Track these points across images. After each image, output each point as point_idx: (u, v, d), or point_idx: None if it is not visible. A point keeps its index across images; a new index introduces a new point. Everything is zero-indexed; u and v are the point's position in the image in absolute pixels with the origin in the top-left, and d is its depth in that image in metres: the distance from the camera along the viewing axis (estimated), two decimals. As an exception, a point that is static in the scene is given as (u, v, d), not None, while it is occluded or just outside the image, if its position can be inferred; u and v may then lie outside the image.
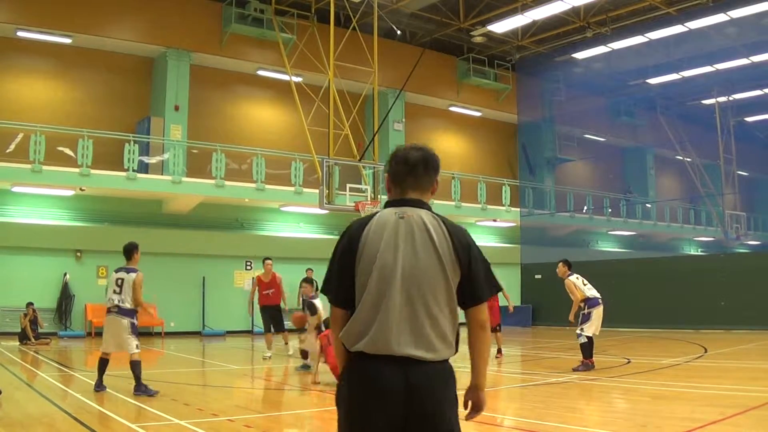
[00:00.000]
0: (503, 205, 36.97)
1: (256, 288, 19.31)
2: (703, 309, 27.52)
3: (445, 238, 3.73)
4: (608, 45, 35.55)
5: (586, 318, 15.34)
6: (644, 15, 32.86)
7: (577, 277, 15.72)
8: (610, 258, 37.41)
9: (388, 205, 3.92)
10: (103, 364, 12.27)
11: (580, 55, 37.50)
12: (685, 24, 32.54)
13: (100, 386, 12.19)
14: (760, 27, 33.47)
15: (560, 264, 16.16)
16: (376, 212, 3.89)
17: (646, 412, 10.58)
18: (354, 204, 26.42)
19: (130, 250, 12.56)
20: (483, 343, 3.81)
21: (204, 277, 28.52)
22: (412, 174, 3.93)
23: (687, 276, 29.00)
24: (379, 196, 27.33)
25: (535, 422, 9.82)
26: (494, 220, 37.29)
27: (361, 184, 27.83)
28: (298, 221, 32.11)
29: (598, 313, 15.23)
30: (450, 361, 3.73)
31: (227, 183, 27.93)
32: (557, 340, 25.25)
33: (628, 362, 17.22)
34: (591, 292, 15.41)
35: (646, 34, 34.08)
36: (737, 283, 25.17)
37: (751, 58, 37.40)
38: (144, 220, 27.79)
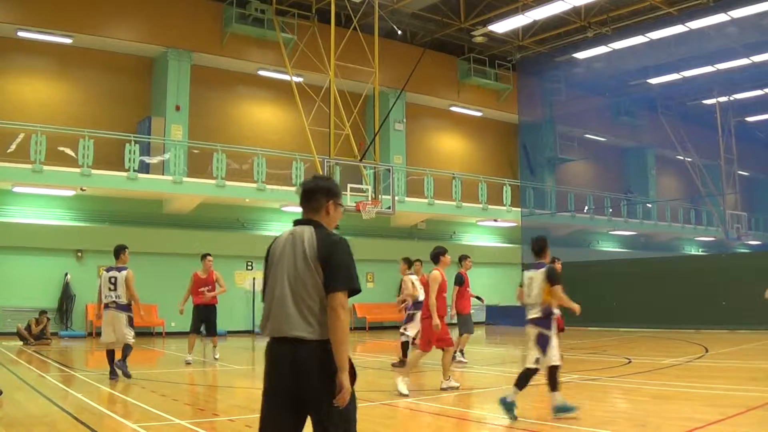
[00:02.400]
0: (504, 205, 37.04)
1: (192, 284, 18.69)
2: (704, 309, 27.52)
3: (313, 247, 4.70)
4: (609, 45, 35.61)
5: (410, 319, 15.94)
6: (645, 15, 32.97)
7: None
8: (611, 258, 37.61)
9: (294, 223, 5.04)
10: (110, 354, 13.81)
11: (580, 55, 37.57)
12: (686, 24, 32.62)
13: (114, 375, 13.68)
14: (761, 27, 33.50)
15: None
16: (283, 232, 5.04)
17: (647, 411, 10.61)
18: (355, 204, 26.49)
19: (118, 251, 14.31)
20: (333, 324, 4.56)
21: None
22: (304, 200, 5.07)
23: (688, 276, 29.02)
24: (380, 196, 27.54)
25: (536, 422, 9.88)
26: (495, 220, 37.40)
27: (362, 184, 27.79)
28: (299, 222, 31.90)
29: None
30: None
31: (228, 183, 28.07)
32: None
33: (629, 362, 17.27)
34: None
35: (646, 34, 34.14)
36: (738, 283, 25.02)
37: (751, 58, 37.54)
38: (145, 220, 27.93)
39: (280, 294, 4.76)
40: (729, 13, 31.05)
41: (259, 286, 29.41)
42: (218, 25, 30.56)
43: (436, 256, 13.16)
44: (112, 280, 13.91)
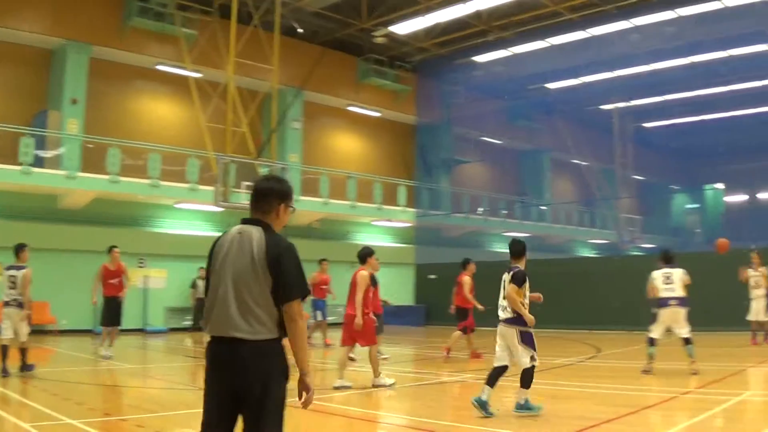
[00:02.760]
0: (399, 206, 38.13)
1: (101, 276, 19.63)
2: (596, 310, 28.76)
3: (262, 250, 5.04)
4: (509, 49, 37.15)
5: None
6: (547, 20, 34.21)
7: None
8: (505, 259, 38.41)
9: (241, 221, 5.35)
10: (4, 350, 14.42)
11: (480, 59, 39.04)
12: (588, 30, 34.20)
13: (5, 372, 14.27)
14: (662, 35, 35.10)
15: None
16: (230, 229, 5.35)
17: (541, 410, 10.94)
18: (249, 202, 27.04)
19: (17, 250, 15.03)
20: (293, 333, 5.04)
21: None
22: (255, 200, 5.37)
23: (581, 277, 30.30)
24: None
25: (430, 421, 10.39)
26: (389, 220, 38.44)
27: None
28: (193, 219, 32.59)
29: None
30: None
31: (122, 179, 28.11)
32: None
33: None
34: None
35: (547, 39, 35.69)
36: (631, 285, 25.08)
37: (651, 65, 39.50)
38: (38, 215, 27.79)
39: (224, 294, 5.07)
40: (631, 20, 32.67)
41: (151, 284, 30.03)
42: (119, 18, 30.35)
43: (364, 257, 14.29)
44: (12, 279, 14.56)
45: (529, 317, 10.56)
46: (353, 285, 13.98)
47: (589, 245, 53.77)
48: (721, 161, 58.73)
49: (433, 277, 34.42)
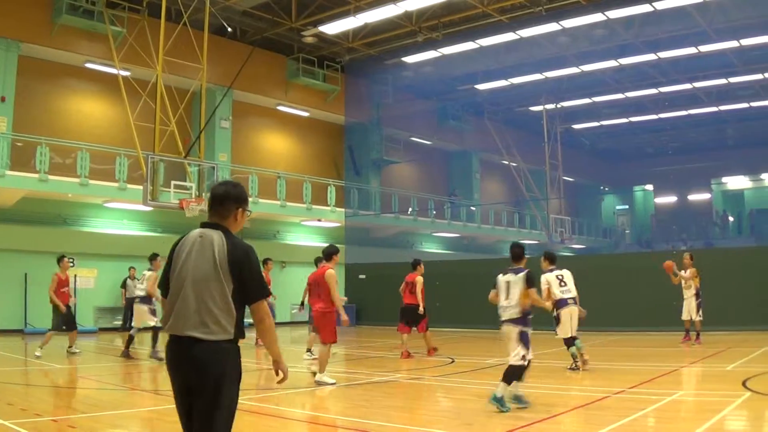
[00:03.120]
0: (328, 206, 38.98)
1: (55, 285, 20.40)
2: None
3: (224, 254, 5.46)
4: (439, 50, 37.94)
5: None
6: (476, 21, 35.09)
7: None
8: (434, 259, 38.67)
9: (201, 225, 5.78)
10: None
11: (410, 59, 39.89)
12: (517, 32, 35.06)
13: None
14: (592, 37, 36.46)
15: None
16: (189, 232, 5.77)
17: (472, 410, 11.36)
18: (179, 201, 27.74)
19: None
20: (263, 331, 5.61)
21: (26, 274, 28.84)
22: (214, 205, 5.80)
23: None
24: (204, 194, 28.46)
25: (361, 421, 10.53)
26: (319, 220, 39.24)
27: (186, 181, 28.82)
28: (122, 218, 33.05)
29: None
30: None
31: (51, 177, 28.33)
32: (381, 339, 26.69)
33: (452, 362, 18.23)
34: None
35: (477, 41, 36.50)
36: None
37: (581, 67, 40.81)
38: None
39: (184, 294, 5.44)
40: (561, 22, 33.54)
41: (81, 284, 30.25)
42: (48, 15, 30.62)
43: (330, 255, 15.17)
44: None
45: (548, 305, 12.32)
46: (322, 283, 14.78)
47: (519, 246, 54.86)
48: (650, 163, 60.92)
49: (363, 277, 35.21)
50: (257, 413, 11.31)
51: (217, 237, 5.56)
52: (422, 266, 20.75)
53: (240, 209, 5.84)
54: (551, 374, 15.63)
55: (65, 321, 20.42)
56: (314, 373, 14.72)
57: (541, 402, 11.87)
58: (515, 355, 11.44)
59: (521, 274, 11.74)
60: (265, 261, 23.33)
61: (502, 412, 10.73)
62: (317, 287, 15.04)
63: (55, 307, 20.18)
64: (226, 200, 5.78)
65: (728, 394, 11.74)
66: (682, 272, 21.49)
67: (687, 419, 10.18)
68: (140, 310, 20.34)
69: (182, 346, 5.42)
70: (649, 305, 25.47)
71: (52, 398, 13.23)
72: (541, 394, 12.79)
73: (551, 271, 16.12)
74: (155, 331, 20.01)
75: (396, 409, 12.16)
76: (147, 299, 20.08)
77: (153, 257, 20.15)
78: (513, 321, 11.67)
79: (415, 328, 20.33)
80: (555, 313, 15.84)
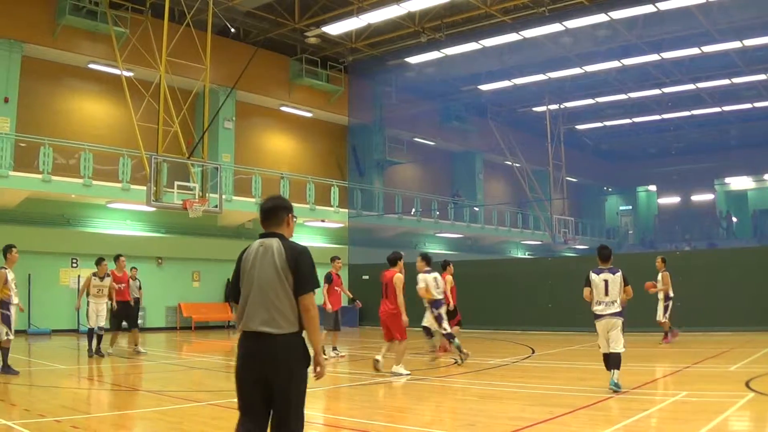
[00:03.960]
0: (332, 206, 38.94)
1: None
2: (530, 311, 29.44)
3: (282, 255, 6.13)
4: (442, 50, 37.78)
5: None
6: (479, 22, 35.05)
7: None
8: (437, 260, 38.89)
9: (260, 236, 6.41)
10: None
11: (413, 60, 39.80)
12: (520, 32, 34.90)
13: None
14: (595, 38, 36.44)
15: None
16: (252, 243, 6.41)
17: (475, 411, 11.27)
18: (182, 202, 27.80)
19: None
20: (308, 320, 6.11)
21: (30, 275, 28.92)
22: (266, 218, 6.46)
23: (515, 278, 30.89)
24: (207, 195, 28.83)
25: (364, 422, 10.40)
26: (322, 221, 39.15)
27: (189, 182, 28.85)
28: (126, 218, 33.00)
29: None
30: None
31: (54, 178, 28.44)
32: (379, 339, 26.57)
33: (455, 362, 17.86)
34: None
35: (480, 41, 36.34)
36: (564, 285, 26.17)
37: (584, 67, 40.85)
38: None
39: (252, 296, 6.14)
40: (564, 23, 33.44)
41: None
42: (51, 16, 30.68)
43: (394, 261, 16.39)
44: None
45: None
46: (390, 286, 15.93)
47: (522, 246, 55.21)
48: (653, 163, 60.67)
49: (366, 277, 34.91)
50: None
51: (275, 243, 6.26)
52: (452, 267, 21.25)
53: (290, 215, 6.53)
54: (554, 374, 15.61)
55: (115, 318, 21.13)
56: (377, 361, 15.99)
57: (545, 402, 11.79)
58: (620, 344, 12.71)
59: (619, 274, 12.92)
60: None
61: (617, 392, 12.14)
62: (386, 290, 16.14)
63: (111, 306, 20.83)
64: (278, 210, 6.47)
65: (732, 394, 11.65)
66: (658, 277, 21.87)
67: (690, 420, 9.95)
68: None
69: (254, 341, 6.09)
70: (652, 306, 25.34)
71: (56, 399, 13.03)
72: (545, 394, 12.74)
73: (428, 272, 17.51)
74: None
75: (399, 410, 12.12)
76: None
77: (98, 262, 20.76)
78: (617, 314, 12.82)
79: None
80: (436, 313, 17.52)
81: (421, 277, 17.38)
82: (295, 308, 6.12)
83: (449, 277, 20.82)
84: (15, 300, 15.53)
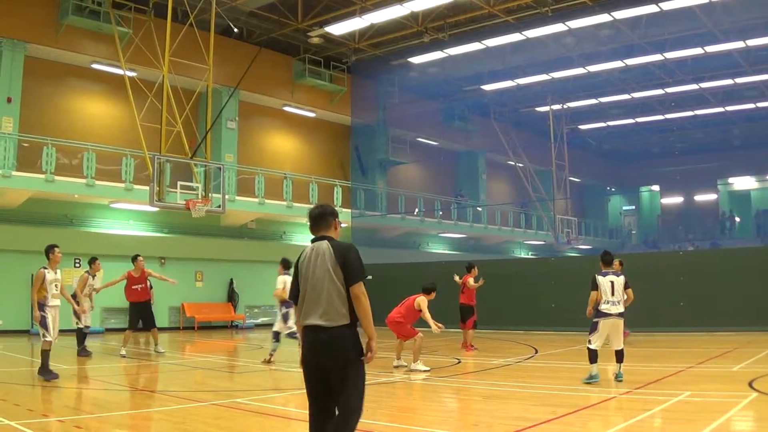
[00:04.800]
0: (335, 206, 38.18)
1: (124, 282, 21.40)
2: (533, 311, 29.26)
3: (332, 255, 6.77)
4: (445, 50, 37.82)
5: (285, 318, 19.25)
6: (482, 22, 35.00)
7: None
8: (441, 260, 39.44)
9: (311, 241, 7.05)
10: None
11: (416, 60, 39.78)
12: (523, 32, 34.89)
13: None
14: (598, 38, 36.46)
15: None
16: (306, 248, 7.04)
17: (478, 411, 11.47)
18: (185, 202, 27.81)
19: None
20: (359, 308, 6.73)
21: (32, 275, 27.85)
22: (316, 223, 7.14)
23: (518, 278, 30.77)
24: (210, 195, 28.87)
25: (367, 422, 10.03)
26: (325, 221, 38.77)
27: (192, 182, 28.94)
28: (129, 218, 33.01)
29: None
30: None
31: (57, 178, 28.40)
32: (387, 340, 25.51)
33: (459, 362, 18.30)
34: None
35: (483, 41, 36.35)
36: (567, 285, 26.21)
37: (587, 67, 40.80)
38: None
39: (309, 294, 6.81)
40: (567, 23, 33.45)
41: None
42: (54, 16, 30.66)
43: (470, 267, 18.52)
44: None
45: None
46: (409, 301, 17.47)
47: (525, 246, 55.23)
48: (656, 163, 60.63)
49: (370, 277, 34.90)
50: (263, 413, 11.38)
51: (325, 245, 6.92)
52: (476, 269, 22.22)
53: (336, 220, 7.22)
54: (557, 374, 15.66)
55: (131, 319, 21.24)
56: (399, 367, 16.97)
57: (548, 402, 11.82)
58: (622, 342, 13.75)
59: (622, 277, 14.00)
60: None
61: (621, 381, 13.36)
62: (404, 302, 17.63)
63: (131, 305, 21.27)
64: (326, 216, 7.19)
65: (735, 394, 11.64)
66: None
67: (693, 420, 9.93)
68: None
69: (312, 334, 6.74)
70: (655, 306, 25.32)
71: (59, 399, 13.13)
72: (548, 394, 12.75)
73: (287, 274, 18.71)
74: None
75: (401, 410, 12.12)
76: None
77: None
78: (622, 315, 13.80)
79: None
80: (284, 311, 18.85)
81: (280, 279, 18.67)
82: (345, 303, 6.73)
83: (470, 279, 21.74)
84: (54, 302, 15.15)
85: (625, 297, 13.90)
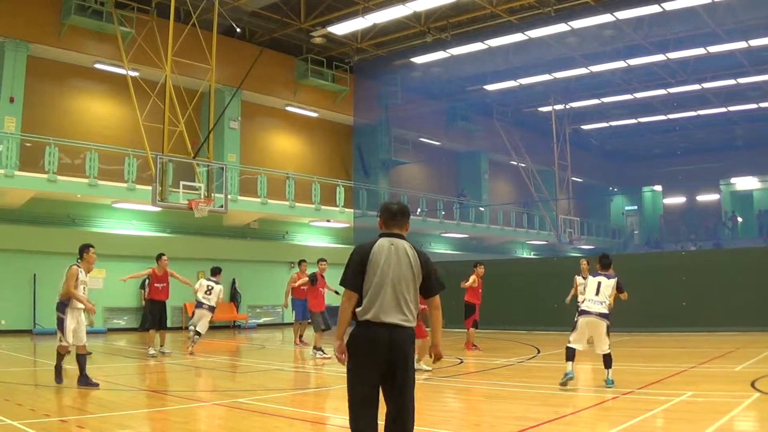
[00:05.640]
0: (337, 206, 38.95)
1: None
2: (535, 311, 29.23)
3: (416, 259, 6.68)
4: (447, 50, 37.82)
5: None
6: (485, 22, 35.04)
7: None
8: (443, 260, 38.70)
9: (382, 236, 6.81)
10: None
11: (419, 60, 39.80)
12: (526, 32, 34.95)
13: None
14: (600, 38, 36.34)
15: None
16: (377, 239, 6.78)
17: (480, 411, 11.54)
18: (187, 202, 27.88)
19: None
20: (437, 318, 6.91)
21: (35, 274, 28.97)
22: (395, 219, 6.89)
23: (520, 278, 30.81)
24: (213, 195, 28.84)
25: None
26: (328, 221, 39.29)
27: (195, 181, 28.95)
28: (131, 218, 33.10)
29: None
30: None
31: (60, 178, 28.41)
32: None
33: (461, 362, 18.30)
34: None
35: (485, 41, 36.40)
36: (569, 286, 24.61)
37: (589, 67, 40.77)
38: None
39: (385, 291, 6.55)
40: (569, 23, 33.48)
41: (90, 284, 30.17)
42: (56, 16, 30.70)
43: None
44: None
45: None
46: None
47: (527, 246, 55.22)
48: (659, 163, 60.53)
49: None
50: (265, 413, 11.36)
51: (406, 245, 6.76)
52: (479, 267, 22.41)
53: (408, 221, 7.02)
54: (559, 375, 15.13)
55: (152, 317, 21.07)
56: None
57: (550, 402, 11.85)
58: (607, 345, 13.28)
59: (614, 280, 13.68)
60: (300, 263, 24.32)
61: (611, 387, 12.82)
62: None
63: (151, 304, 21.28)
64: (406, 214, 6.99)
65: (737, 395, 11.61)
66: (579, 278, 21.88)
67: (695, 420, 9.93)
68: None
69: (386, 331, 6.53)
70: (658, 306, 25.33)
71: (61, 399, 13.02)
72: (550, 394, 12.71)
73: (208, 279, 21.47)
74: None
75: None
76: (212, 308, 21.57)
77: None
78: (605, 316, 13.41)
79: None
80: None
81: (200, 283, 21.60)
82: (417, 306, 6.73)
83: (472, 277, 22.00)
84: (79, 305, 14.51)
85: (609, 301, 13.53)
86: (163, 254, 21.23)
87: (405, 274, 6.62)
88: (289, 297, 24.54)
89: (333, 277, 33.78)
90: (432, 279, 6.78)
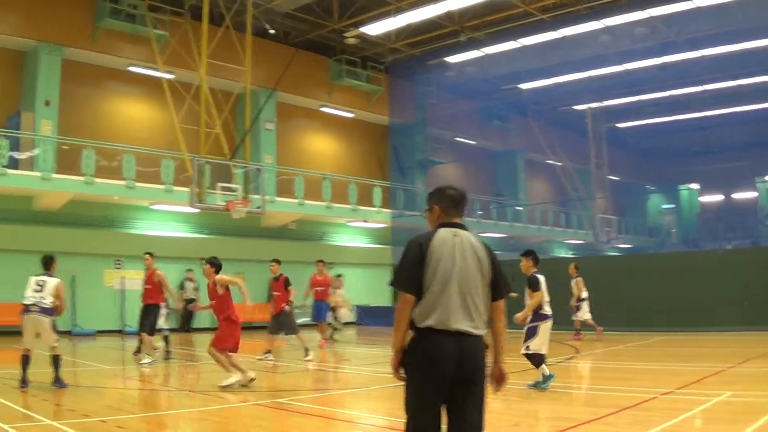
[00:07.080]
0: (374, 207, 38.62)
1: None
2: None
3: (485, 254, 5.68)
4: (482, 49, 37.71)
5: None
6: (519, 21, 34.75)
7: None
8: None
9: (442, 226, 5.78)
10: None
11: (453, 59, 39.61)
12: (559, 30, 34.76)
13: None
14: (634, 35, 35.77)
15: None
16: (436, 230, 5.74)
17: (519, 411, 11.30)
18: (225, 203, 27.68)
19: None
20: (503, 324, 5.83)
21: (74, 276, 28.59)
22: (457, 206, 5.92)
23: (558, 278, 29.59)
24: (250, 196, 28.62)
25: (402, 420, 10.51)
26: (365, 221, 38.99)
27: (232, 183, 28.83)
28: (169, 220, 32.96)
29: None
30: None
31: (97, 180, 28.32)
32: None
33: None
34: None
35: (519, 40, 36.19)
36: (608, 285, 25.95)
37: (623, 65, 40.26)
38: (14, 216, 28.13)
39: (449, 291, 5.52)
40: (602, 21, 33.20)
41: (128, 285, 30.12)
42: (90, 19, 30.80)
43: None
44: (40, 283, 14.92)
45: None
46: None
47: (565, 245, 54.62)
48: (695, 161, 59.69)
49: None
50: (305, 414, 11.44)
51: (472, 238, 5.76)
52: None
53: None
54: (598, 375, 15.69)
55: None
56: None
57: (588, 403, 11.98)
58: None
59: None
60: (318, 262, 24.61)
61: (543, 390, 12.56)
62: None
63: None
64: (467, 201, 6.07)
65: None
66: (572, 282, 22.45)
67: (735, 420, 9.76)
68: None
69: (455, 340, 5.51)
70: (696, 305, 24.89)
71: (101, 399, 13.11)
72: (589, 395, 12.91)
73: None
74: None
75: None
76: None
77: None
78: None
79: None
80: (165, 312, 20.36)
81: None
82: (487, 310, 5.76)
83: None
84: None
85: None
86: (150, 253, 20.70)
87: (472, 272, 5.61)
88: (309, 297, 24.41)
89: (373, 278, 33.25)
90: (502, 278, 5.78)
